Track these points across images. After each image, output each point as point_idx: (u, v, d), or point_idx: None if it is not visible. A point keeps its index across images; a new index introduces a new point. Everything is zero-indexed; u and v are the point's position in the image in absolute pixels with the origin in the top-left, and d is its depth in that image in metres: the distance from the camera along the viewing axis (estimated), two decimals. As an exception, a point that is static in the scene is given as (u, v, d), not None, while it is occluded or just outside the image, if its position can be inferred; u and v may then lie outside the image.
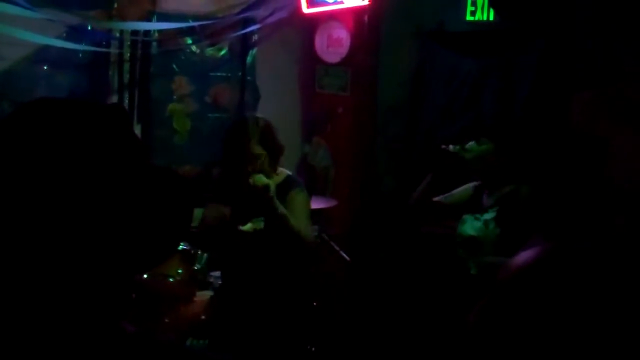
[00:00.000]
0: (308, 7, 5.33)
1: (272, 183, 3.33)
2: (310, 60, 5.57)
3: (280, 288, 3.51)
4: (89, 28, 4.78)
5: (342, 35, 5.32)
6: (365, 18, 5.15)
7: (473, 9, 4.69)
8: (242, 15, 5.26)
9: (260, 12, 5.30)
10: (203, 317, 4.01)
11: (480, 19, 4.64)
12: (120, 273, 0.95)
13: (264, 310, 3.48)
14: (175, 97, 5.26)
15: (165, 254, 1.03)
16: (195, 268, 4.30)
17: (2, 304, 0.90)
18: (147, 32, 5.05)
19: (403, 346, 4.66)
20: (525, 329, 1.03)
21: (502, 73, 4.48)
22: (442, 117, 4.98)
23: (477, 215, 3.54)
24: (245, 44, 5.42)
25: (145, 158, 0.99)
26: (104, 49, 4.88)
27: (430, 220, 4.02)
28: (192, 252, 4.29)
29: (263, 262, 3.44)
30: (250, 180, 3.28)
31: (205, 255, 4.22)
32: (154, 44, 5.12)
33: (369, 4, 5.02)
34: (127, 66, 5.00)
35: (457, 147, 3.54)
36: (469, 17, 4.70)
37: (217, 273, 4.46)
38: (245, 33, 5.32)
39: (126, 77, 5.00)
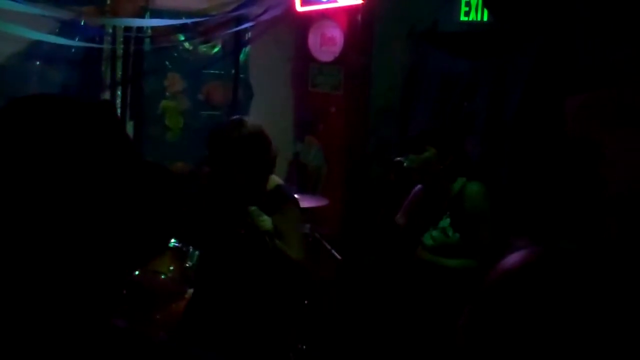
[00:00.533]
0: (302, 6, 5.33)
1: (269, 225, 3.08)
2: (303, 58, 5.57)
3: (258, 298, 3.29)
4: (82, 24, 4.76)
5: (336, 34, 5.32)
6: (359, 17, 5.15)
7: (467, 9, 4.69)
8: (235, 13, 5.25)
9: (253, 10, 5.29)
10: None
11: (475, 19, 4.64)
12: (110, 269, 0.95)
13: (239, 315, 3.28)
14: (167, 94, 5.25)
15: (155, 251, 1.03)
16: (187, 265, 4.30)
17: None
18: (140, 29, 5.03)
19: (394, 345, 4.67)
20: (513, 333, 1.03)
21: (496, 74, 4.49)
22: (434, 118, 4.98)
23: (432, 229, 3.58)
24: (238, 41, 5.42)
25: (134, 154, 0.99)
26: (96, 45, 4.86)
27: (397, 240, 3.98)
28: (184, 249, 4.29)
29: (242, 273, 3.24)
30: (250, 220, 3.06)
31: (196, 252, 4.22)
32: (147, 40, 5.11)
33: (362, 3, 5.02)
34: (119, 63, 4.98)
35: (404, 158, 3.56)
36: (462, 18, 4.70)
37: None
38: (239, 31, 5.32)
39: (119, 73, 4.99)
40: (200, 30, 5.22)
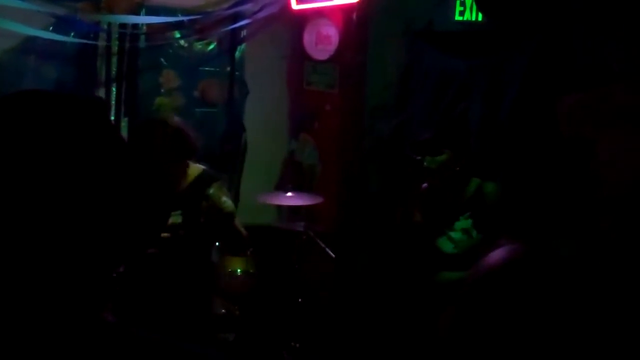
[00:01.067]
0: (297, 4, 5.33)
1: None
2: (298, 56, 5.57)
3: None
4: (77, 20, 4.75)
5: (331, 32, 5.32)
6: (354, 16, 5.15)
7: (462, 8, 4.69)
8: (231, 11, 5.25)
9: (249, 8, 5.28)
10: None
11: (469, 19, 4.65)
12: (99, 263, 0.95)
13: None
14: (163, 91, 5.24)
15: (143, 245, 1.03)
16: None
17: None
18: (135, 25, 5.02)
19: (387, 343, 4.67)
20: (496, 328, 1.03)
21: (491, 74, 4.49)
22: (429, 118, 4.99)
23: (449, 232, 3.58)
24: (234, 39, 5.41)
25: (123, 150, 0.99)
26: (91, 42, 4.85)
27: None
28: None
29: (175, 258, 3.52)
30: (211, 203, 3.42)
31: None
32: (142, 37, 5.10)
33: (358, 2, 5.02)
34: (114, 59, 4.97)
35: (426, 158, 3.58)
36: (457, 17, 4.71)
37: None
38: (234, 28, 5.31)
39: (114, 70, 4.97)
40: (196, 28, 5.21)
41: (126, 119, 5.03)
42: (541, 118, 4.10)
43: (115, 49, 4.96)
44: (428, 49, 4.96)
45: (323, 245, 4.66)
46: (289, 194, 4.62)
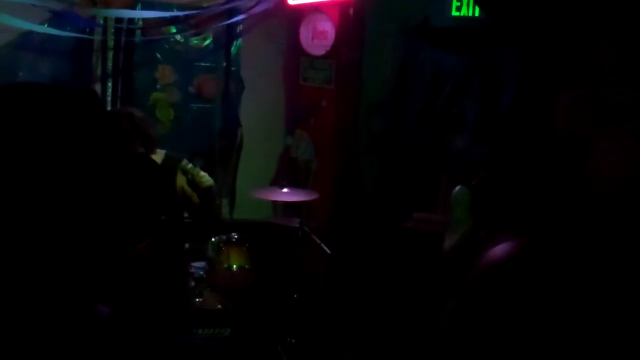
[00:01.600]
0: (293, -1, 5.32)
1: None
2: (294, 52, 5.56)
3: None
4: (73, 14, 4.73)
5: (327, 27, 5.31)
6: (351, 11, 5.15)
7: (458, 4, 4.70)
8: (227, 6, 5.23)
9: (245, 3, 5.27)
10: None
11: (466, 14, 4.65)
12: (94, 256, 0.95)
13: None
14: (158, 86, 5.24)
15: (138, 238, 1.03)
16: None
17: None
18: (131, 20, 5.01)
19: (382, 339, 4.68)
20: (500, 324, 1.03)
21: (487, 70, 4.50)
22: (425, 114, 5.00)
23: None
24: (230, 34, 5.40)
25: (117, 143, 0.99)
26: (87, 36, 4.84)
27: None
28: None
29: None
30: (192, 178, 3.45)
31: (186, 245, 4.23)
32: (138, 32, 5.09)
33: (354, -3, 5.02)
34: (110, 54, 4.96)
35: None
36: (454, 13, 4.71)
37: (199, 263, 4.47)
38: (230, 23, 5.30)
39: (109, 65, 4.96)
40: (192, 23, 5.20)
41: (122, 114, 5.02)
42: (537, 114, 4.11)
43: (111, 43, 4.95)
44: (424, 45, 4.97)
45: (318, 241, 4.65)
46: (285, 189, 4.62)
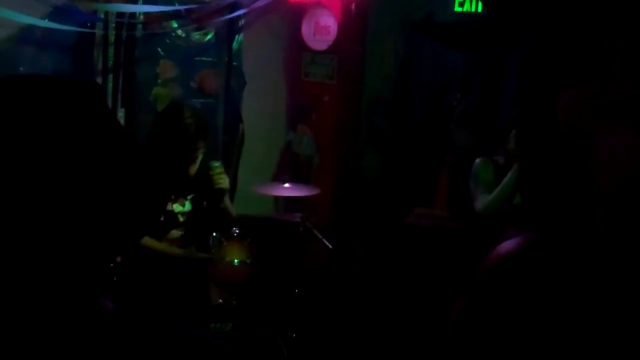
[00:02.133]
0: (296, -7, 5.31)
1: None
2: (296, 47, 5.55)
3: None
4: (74, 9, 4.72)
5: (330, 22, 5.30)
6: (353, 6, 5.14)
7: (462, 0, 4.69)
8: (229, 0, 5.22)
9: (247, -3, 5.26)
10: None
11: (469, 10, 4.64)
12: (96, 250, 0.95)
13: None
14: (160, 81, 5.22)
15: (142, 232, 1.03)
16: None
17: None
18: (132, 15, 5.00)
19: (384, 334, 4.68)
20: (511, 320, 1.03)
21: (490, 66, 4.49)
22: (427, 109, 4.99)
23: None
24: (231, 29, 5.39)
25: (120, 133, 0.98)
26: (88, 30, 4.83)
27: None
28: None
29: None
30: (211, 174, 3.55)
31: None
32: (139, 26, 5.07)
33: (357, -8, 5.01)
34: (111, 49, 4.94)
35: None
36: (457, 8, 4.70)
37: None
38: (232, 18, 5.29)
39: (111, 60, 4.95)
40: (193, 17, 5.19)
41: (123, 109, 5.01)
42: (539, 110, 4.10)
43: (112, 38, 4.93)
44: (427, 40, 4.96)
45: (320, 236, 4.65)
46: (286, 185, 4.61)
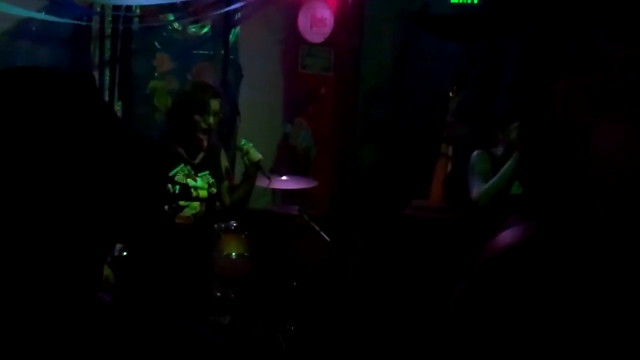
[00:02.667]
0: (292, -14, 5.30)
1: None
2: (293, 39, 5.53)
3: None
4: (70, 2, 4.70)
5: (326, 15, 5.29)
6: (350, -2, 5.13)
7: (458, -9, 4.68)
8: (225, -7, 5.21)
9: (243, -10, 5.25)
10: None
11: (465, 1, 4.63)
12: (94, 241, 0.95)
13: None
14: (156, 74, 5.21)
15: (141, 223, 1.02)
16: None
17: None
18: (128, 8, 4.98)
19: (382, 326, 4.69)
20: (511, 307, 1.03)
21: (486, 58, 4.49)
22: (424, 101, 4.99)
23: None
24: (228, 22, 5.37)
25: (115, 123, 0.98)
26: (85, 23, 4.81)
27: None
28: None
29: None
30: (245, 151, 3.68)
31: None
32: (136, 19, 5.06)
33: (353, -16, 5.00)
34: (108, 42, 4.93)
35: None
36: (453, 0, 4.69)
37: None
38: (228, 11, 5.27)
39: (107, 53, 4.94)
40: (190, 10, 5.17)
41: (120, 102, 5.01)
42: (536, 101, 4.10)
43: (108, 31, 4.92)
44: (424, 32, 4.95)
45: (318, 229, 4.66)
46: (284, 177, 4.61)
